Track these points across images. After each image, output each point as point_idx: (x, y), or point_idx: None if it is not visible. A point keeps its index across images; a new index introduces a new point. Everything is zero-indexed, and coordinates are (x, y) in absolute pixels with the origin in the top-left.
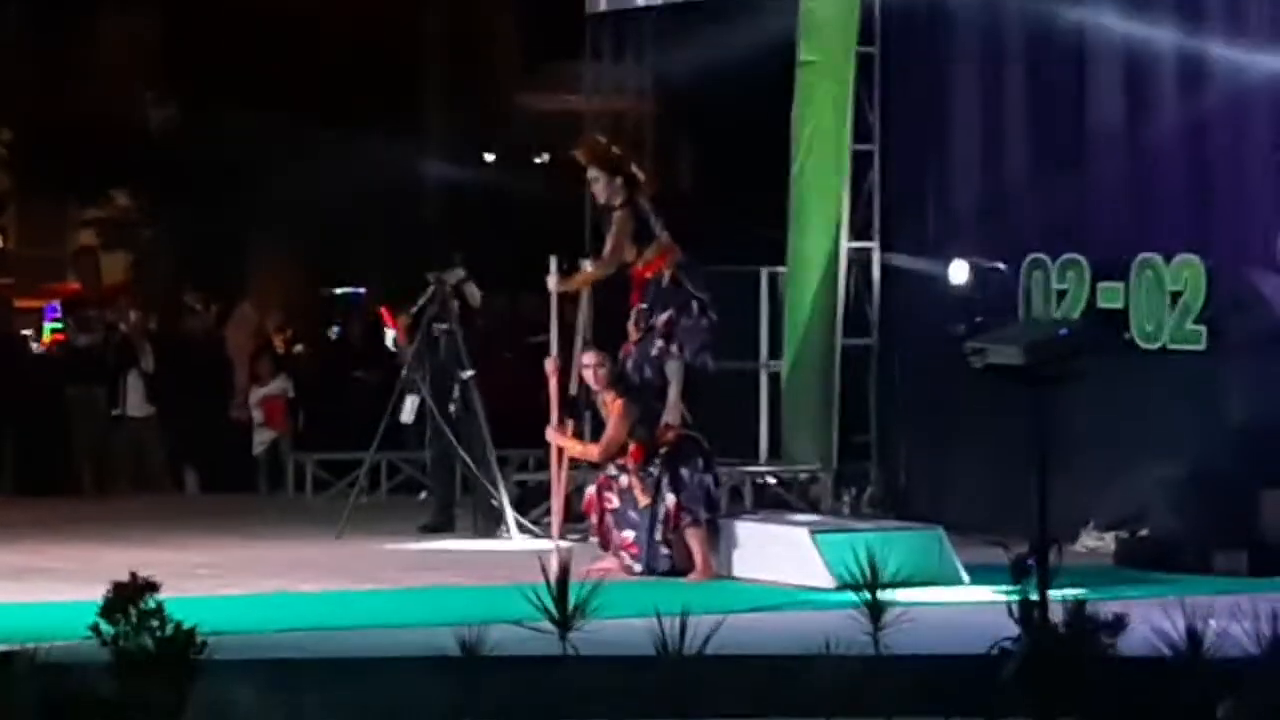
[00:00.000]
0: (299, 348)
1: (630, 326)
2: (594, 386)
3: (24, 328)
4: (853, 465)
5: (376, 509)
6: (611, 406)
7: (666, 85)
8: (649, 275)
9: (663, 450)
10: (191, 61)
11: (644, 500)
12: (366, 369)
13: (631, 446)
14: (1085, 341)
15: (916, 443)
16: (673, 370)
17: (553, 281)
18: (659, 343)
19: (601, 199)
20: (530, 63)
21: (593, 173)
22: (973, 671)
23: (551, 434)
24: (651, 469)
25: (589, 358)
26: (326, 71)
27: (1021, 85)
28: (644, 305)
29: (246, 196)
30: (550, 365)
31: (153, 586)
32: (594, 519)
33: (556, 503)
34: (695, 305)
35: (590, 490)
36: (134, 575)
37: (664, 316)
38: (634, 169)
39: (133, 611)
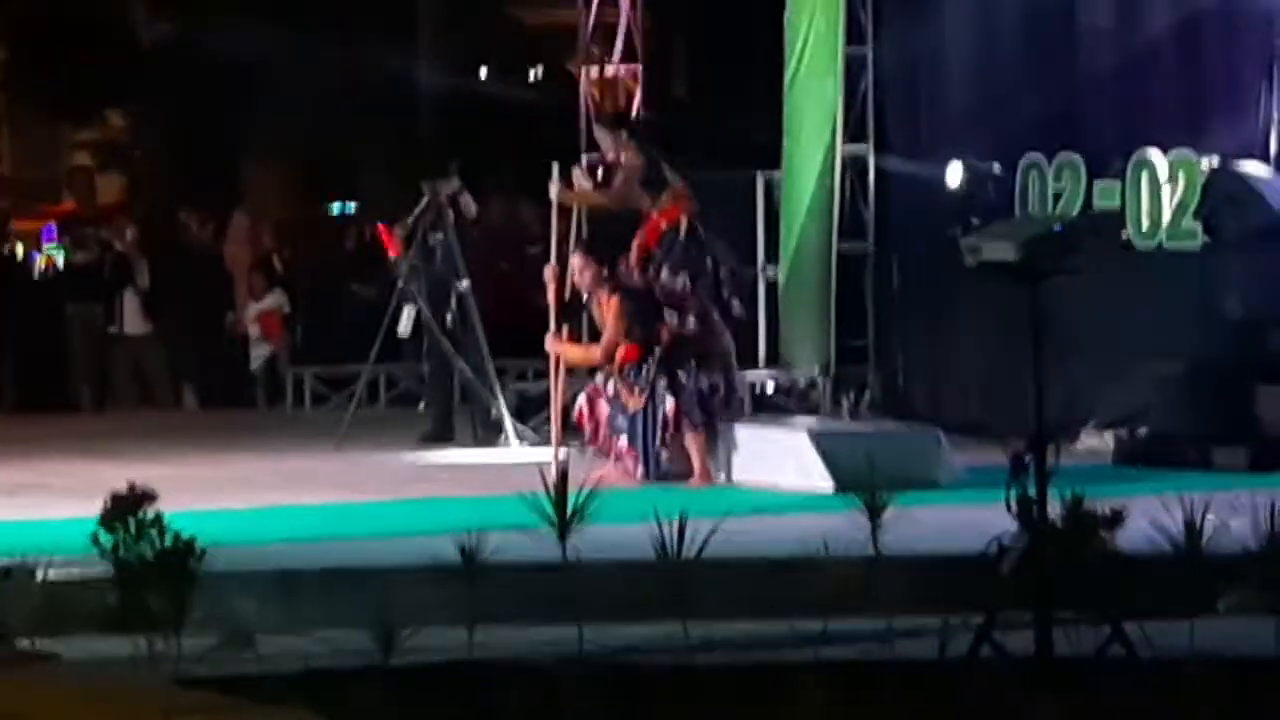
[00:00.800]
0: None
1: (633, 264)
2: (583, 289)
3: (24, 250)
4: (851, 369)
5: (375, 421)
6: (606, 305)
7: None
8: (664, 225)
9: (658, 350)
10: None
11: (633, 404)
12: (362, 282)
13: (623, 347)
14: (1081, 236)
15: (914, 346)
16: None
17: (554, 189)
18: (670, 313)
19: (610, 156)
20: None
21: (598, 132)
22: (971, 569)
23: (551, 342)
24: (645, 370)
25: (576, 260)
26: None
27: None
28: (656, 252)
29: (241, 114)
30: (549, 272)
31: (151, 497)
32: (589, 429)
33: (555, 410)
34: (710, 264)
35: (581, 401)
36: (132, 486)
37: (679, 283)
38: (635, 115)
39: (131, 522)
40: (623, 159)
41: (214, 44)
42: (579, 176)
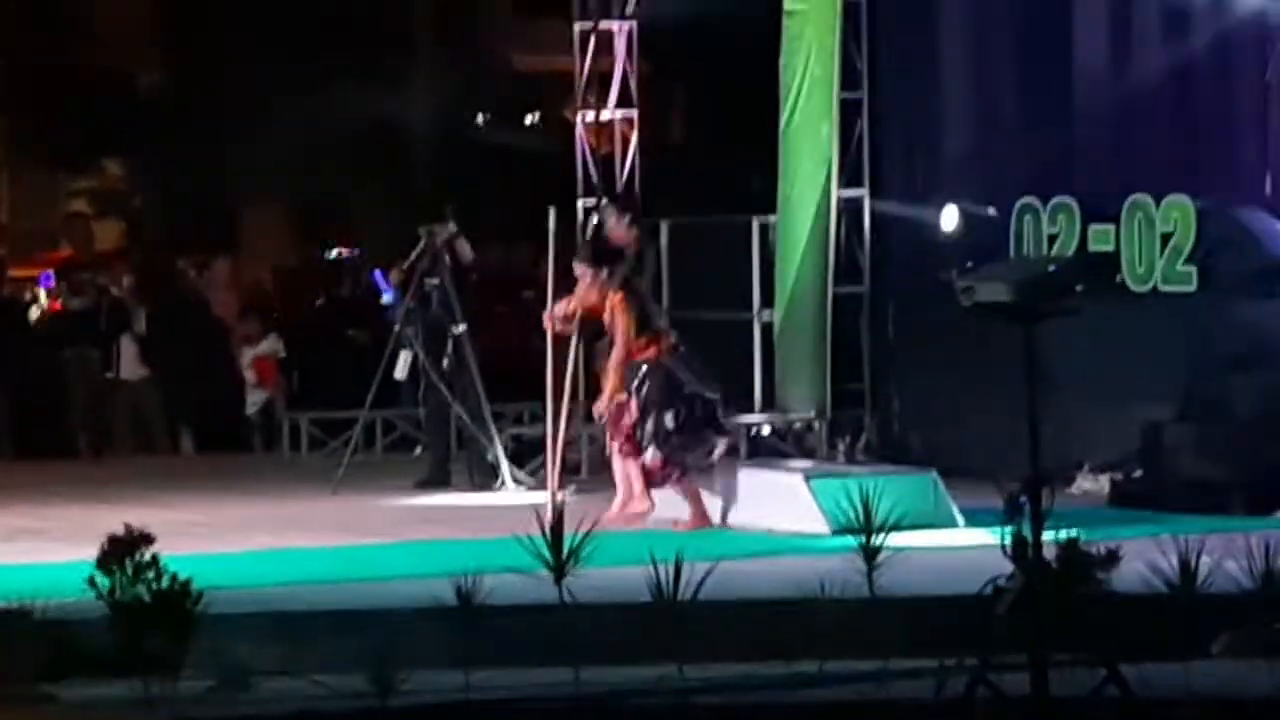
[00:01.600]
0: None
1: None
2: (586, 287)
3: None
4: (847, 412)
5: (372, 466)
6: (614, 304)
7: (655, 39)
8: (638, 358)
9: (642, 371)
10: (180, 26)
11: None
12: (359, 327)
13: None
14: (1075, 277)
15: (910, 389)
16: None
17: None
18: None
19: (595, 298)
20: (520, 22)
21: (579, 269)
22: (967, 611)
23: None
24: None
25: (577, 267)
26: (316, 32)
27: (1008, 29)
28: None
29: (237, 160)
30: (547, 319)
31: (148, 539)
32: (615, 438)
33: (551, 454)
34: (679, 407)
35: (613, 447)
36: (129, 528)
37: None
38: (618, 254)
39: (128, 564)
40: (614, 305)
41: (210, 91)
42: (613, 222)
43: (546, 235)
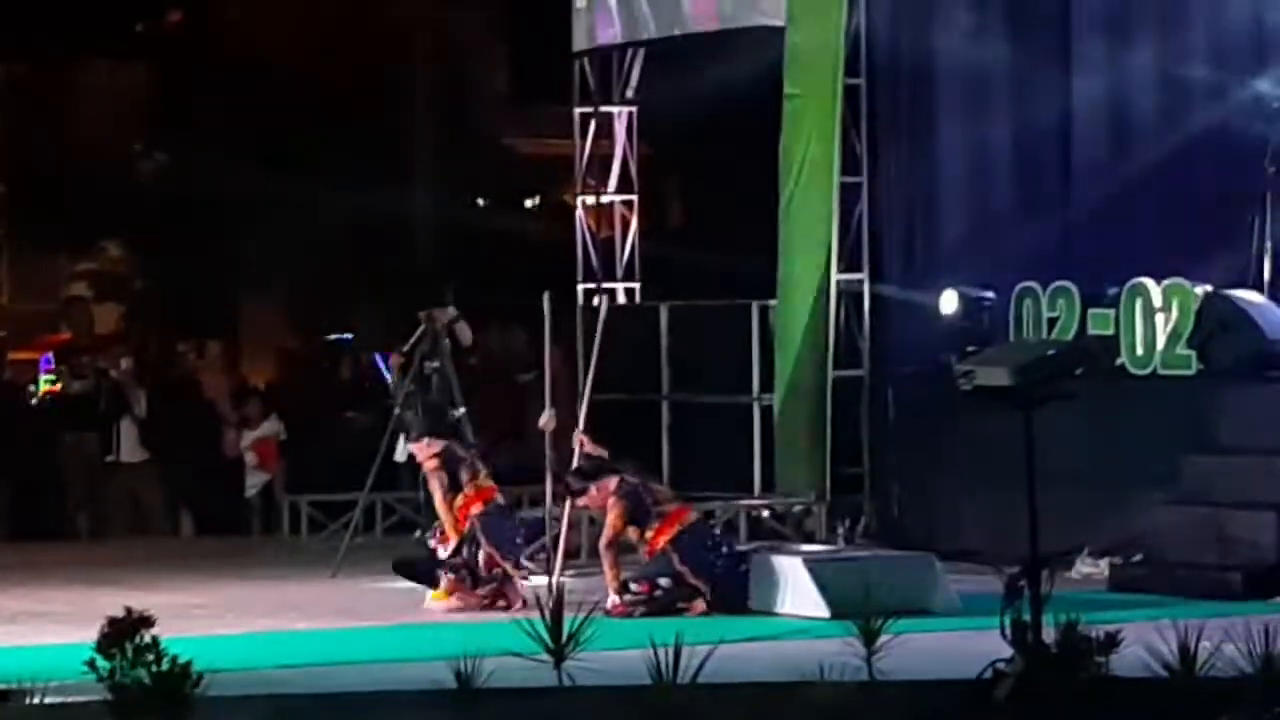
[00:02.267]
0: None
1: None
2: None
3: (18, 379)
4: (846, 496)
5: (371, 549)
6: (609, 504)
7: (654, 123)
8: (658, 547)
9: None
10: (179, 112)
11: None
12: (358, 410)
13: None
14: (1075, 360)
15: (909, 473)
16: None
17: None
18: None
19: (595, 507)
20: (518, 107)
21: (576, 485)
22: (967, 694)
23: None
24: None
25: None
26: (316, 117)
27: (1007, 115)
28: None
29: (237, 244)
30: (546, 421)
31: (148, 621)
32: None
33: (561, 536)
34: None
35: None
36: (129, 610)
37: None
38: (606, 466)
39: (128, 647)
40: (608, 505)
41: (210, 176)
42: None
43: (545, 318)
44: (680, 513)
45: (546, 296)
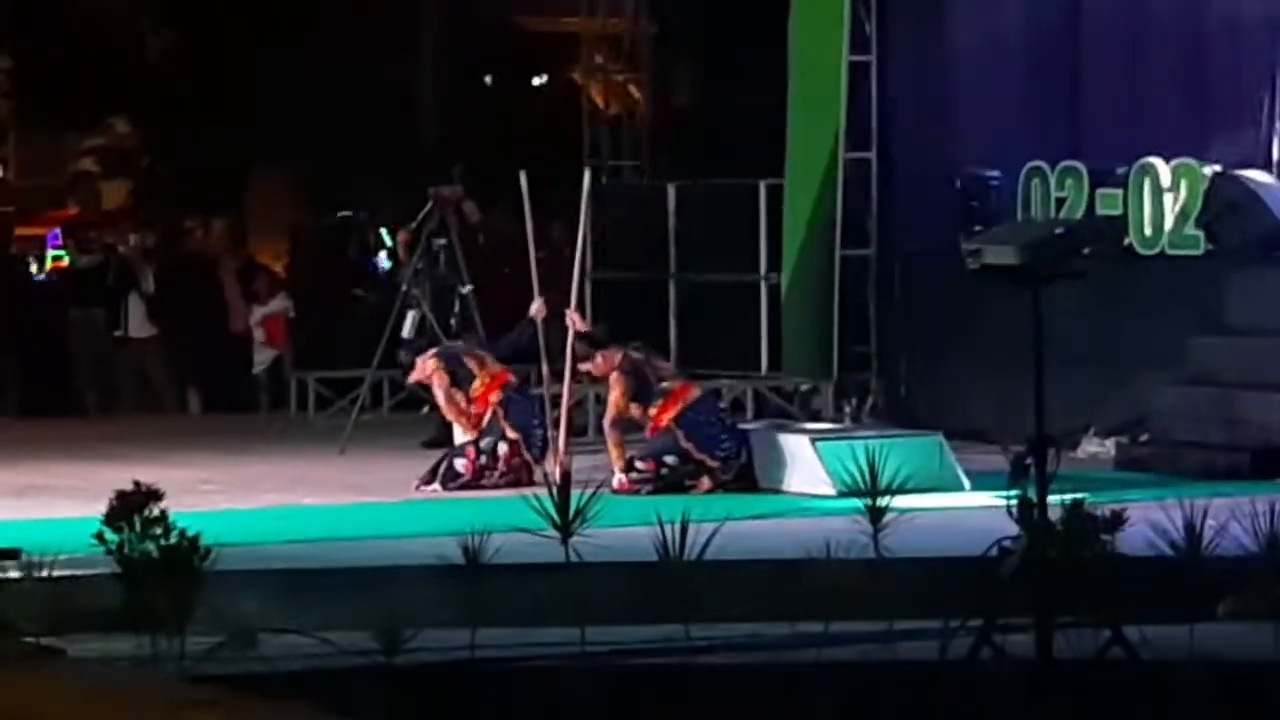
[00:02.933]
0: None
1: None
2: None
3: (26, 254)
4: (853, 375)
5: (379, 425)
6: (612, 378)
7: (664, 1)
8: (662, 425)
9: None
10: None
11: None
12: (366, 287)
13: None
14: (1083, 239)
15: (917, 352)
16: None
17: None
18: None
19: (599, 374)
20: None
21: (581, 351)
22: (972, 573)
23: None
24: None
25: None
26: None
27: None
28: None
29: (246, 121)
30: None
31: (156, 495)
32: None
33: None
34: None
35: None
36: (137, 484)
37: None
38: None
39: (137, 520)
40: (610, 380)
41: (219, 53)
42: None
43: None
44: (684, 390)
45: (523, 175)
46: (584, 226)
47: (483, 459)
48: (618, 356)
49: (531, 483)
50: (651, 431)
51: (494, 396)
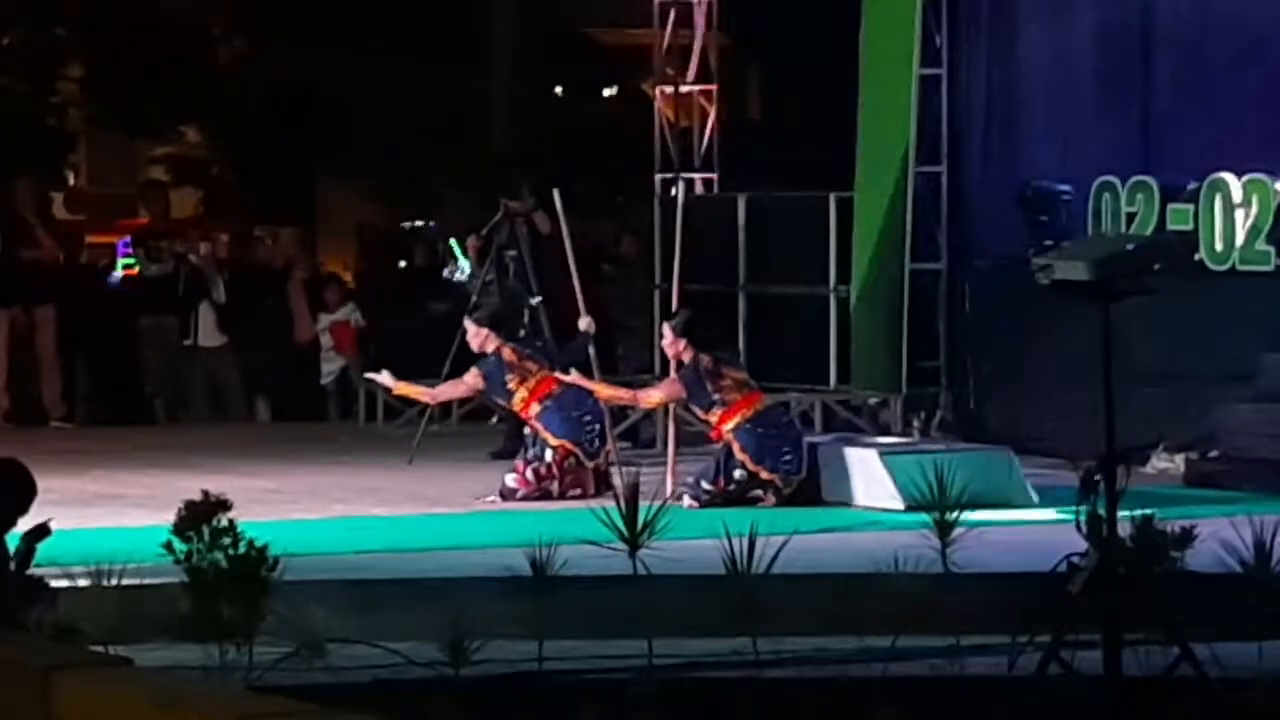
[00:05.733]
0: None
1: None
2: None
3: (96, 263)
4: (922, 390)
5: (447, 436)
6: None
7: (734, 13)
8: (722, 433)
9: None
10: None
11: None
12: (436, 297)
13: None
14: (1154, 255)
15: (986, 367)
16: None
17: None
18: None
19: (669, 352)
20: None
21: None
22: (1040, 589)
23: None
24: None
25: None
26: (398, 4)
27: (1090, 7)
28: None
29: (317, 130)
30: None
31: (225, 505)
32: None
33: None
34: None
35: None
36: (206, 494)
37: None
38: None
39: (205, 530)
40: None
41: (290, 61)
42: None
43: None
44: (748, 400)
45: (557, 193)
46: (679, 239)
47: (536, 466)
48: (687, 356)
49: (597, 488)
50: (715, 435)
51: (534, 409)
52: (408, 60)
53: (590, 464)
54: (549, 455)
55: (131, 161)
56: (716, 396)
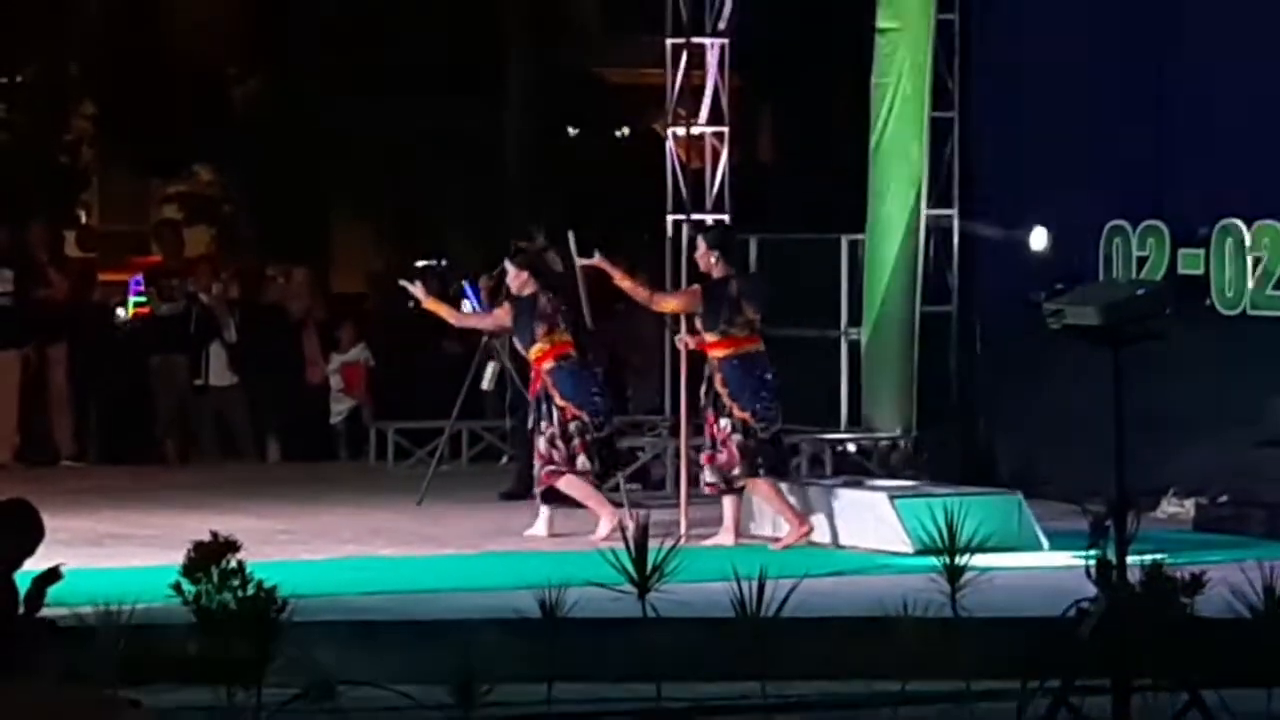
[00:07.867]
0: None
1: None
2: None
3: (107, 301)
4: (933, 432)
5: (457, 477)
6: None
7: (747, 55)
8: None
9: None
10: (274, 33)
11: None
12: (447, 337)
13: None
14: (1164, 301)
15: (996, 410)
16: None
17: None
18: None
19: (703, 267)
20: (610, 37)
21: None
22: (1050, 634)
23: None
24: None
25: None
26: (408, 44)
27: (1102, 53)
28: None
29: (329, 169)
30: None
31: (234, 546)
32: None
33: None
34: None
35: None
36: (215, 535)
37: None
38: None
39: (214, 570)
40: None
41: (303, 100)
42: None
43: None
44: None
45: (571, 235)
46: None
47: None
48: (718, 271)
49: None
50: (703, 348)
51: (548, 365)
52: (421, 100)
53: (590, 437)
54: (555, 415)
55: (144, 199)
56: (724, 326)
